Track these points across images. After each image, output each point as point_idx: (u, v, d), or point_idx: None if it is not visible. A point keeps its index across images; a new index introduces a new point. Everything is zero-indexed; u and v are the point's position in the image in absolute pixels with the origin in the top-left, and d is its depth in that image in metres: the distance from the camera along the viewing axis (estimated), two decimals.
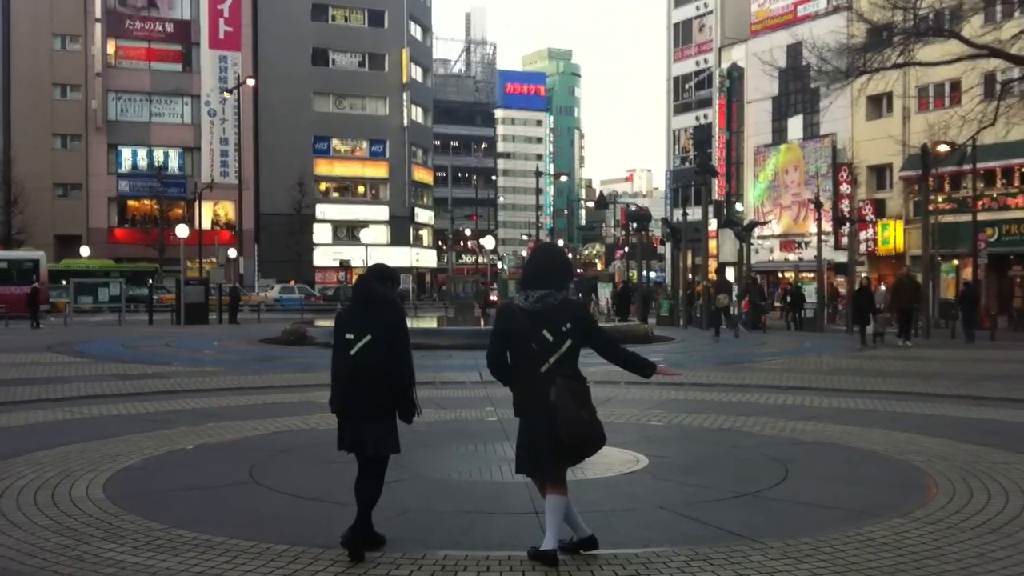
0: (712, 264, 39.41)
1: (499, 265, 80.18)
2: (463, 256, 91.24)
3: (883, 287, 31.95)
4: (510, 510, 6.17)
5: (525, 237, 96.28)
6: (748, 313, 30.77)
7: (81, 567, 4.96)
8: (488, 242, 60.67)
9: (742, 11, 51.04)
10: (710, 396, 12.38)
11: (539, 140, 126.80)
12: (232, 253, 48.46)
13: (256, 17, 63.31)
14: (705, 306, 29.93)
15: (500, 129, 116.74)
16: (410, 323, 5.69)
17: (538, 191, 70.51)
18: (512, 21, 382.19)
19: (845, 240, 35.38)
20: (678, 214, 42.27)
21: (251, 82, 56.68)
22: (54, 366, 17.07)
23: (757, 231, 42.05)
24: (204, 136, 60.84)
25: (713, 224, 41.33)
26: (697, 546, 5.27)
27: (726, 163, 50.70)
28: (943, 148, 28.11)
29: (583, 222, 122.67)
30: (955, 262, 35.56)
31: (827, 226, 36.70)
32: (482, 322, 25.87)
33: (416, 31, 73.84)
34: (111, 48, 59.80)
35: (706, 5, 54.24)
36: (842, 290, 36.45)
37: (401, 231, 69.67)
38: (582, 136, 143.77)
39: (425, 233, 76.90)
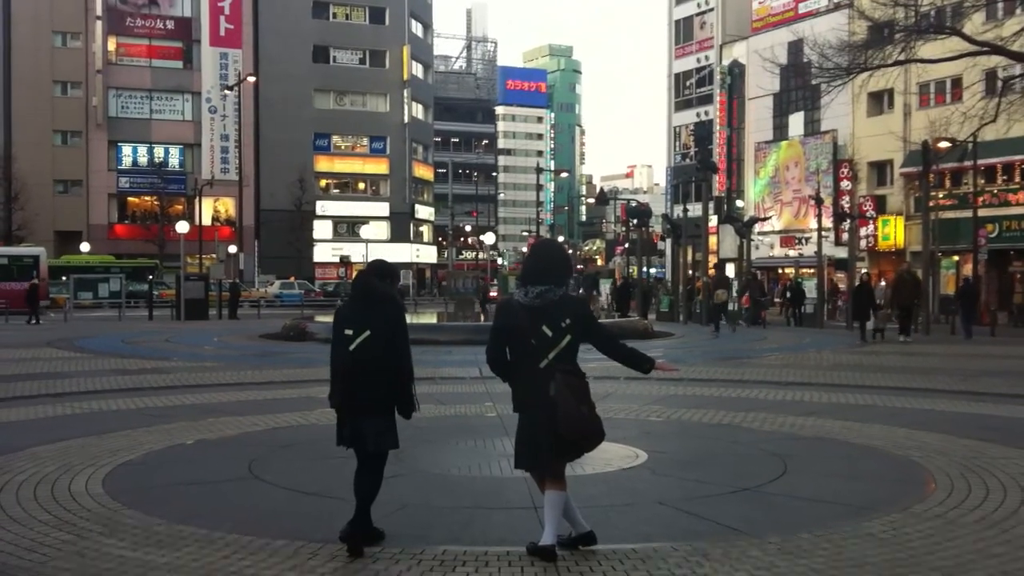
0: (712, 260, 39.35)
1: (499, 261, 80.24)
2: (463, 252, 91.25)
3: (883, 283, 31.95)
4: (509, 505, 6.17)
5: (525, 233, 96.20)
6: (749, 309, 30.77)
7: (81, 562, 4.97)
8: (488, 238, 60.72)
9: (743, 8, 50.99)
10: (709, 392, 12.38)
11: (540, 137, 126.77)
12: (232, 249, 48.38)
13: (257, 14, 63.26)
14: (705, 302, 29.94)
15: (501, 126, 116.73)
16: (410, 319, 5.71)
17: (538, 187, 70.51)
18: (513, 18, 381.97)
19: (845, 236, 35.34)
20: (678, 210, 42.29)
21: (252, 79, 56.70)
22: (54, 361, 17.09)
23: (757, 227, 42.05)
24: (204, 133, 60.82)
25: (714, 220, 41.36)
26: (696, 541, 5.28)
27: (727, 159, 50.69)
28: (944, 144, 28.10)
29: (583, 218, 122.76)
30: (955, 258, 35.57)
31: (827, 222, 36.68)
32: (482, 318, 25.86)
33: (417, 28, 73.79)
34: (112, 45, 59.75)
35: (707, 2, 54.20)
36: (842, 286, 36.44)
37: (401, 227, 69.67)
38: (583, 132, 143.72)
39: (425, 229, 76.90)
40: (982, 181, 34.13)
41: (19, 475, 7.06)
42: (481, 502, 6.30)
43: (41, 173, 56.83)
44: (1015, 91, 24.10)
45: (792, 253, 45.72)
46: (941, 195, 34.85)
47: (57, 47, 59.43)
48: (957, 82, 34.20)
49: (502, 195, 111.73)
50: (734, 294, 32.59)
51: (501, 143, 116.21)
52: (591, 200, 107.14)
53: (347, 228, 67.40)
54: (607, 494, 6.45)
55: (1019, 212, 34.83)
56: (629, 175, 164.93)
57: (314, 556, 5.04)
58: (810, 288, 33.33)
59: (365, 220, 65.91)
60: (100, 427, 9.30)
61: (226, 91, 58.52)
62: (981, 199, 32.71)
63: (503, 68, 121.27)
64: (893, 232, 40.58)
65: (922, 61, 25.02)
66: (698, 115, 54.51)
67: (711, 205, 38.38)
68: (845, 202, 41.46)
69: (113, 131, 59.70)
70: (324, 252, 65.49)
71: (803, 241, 44.40)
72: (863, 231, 39.97)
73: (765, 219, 44.79)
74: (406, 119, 69.15)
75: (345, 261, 59.41)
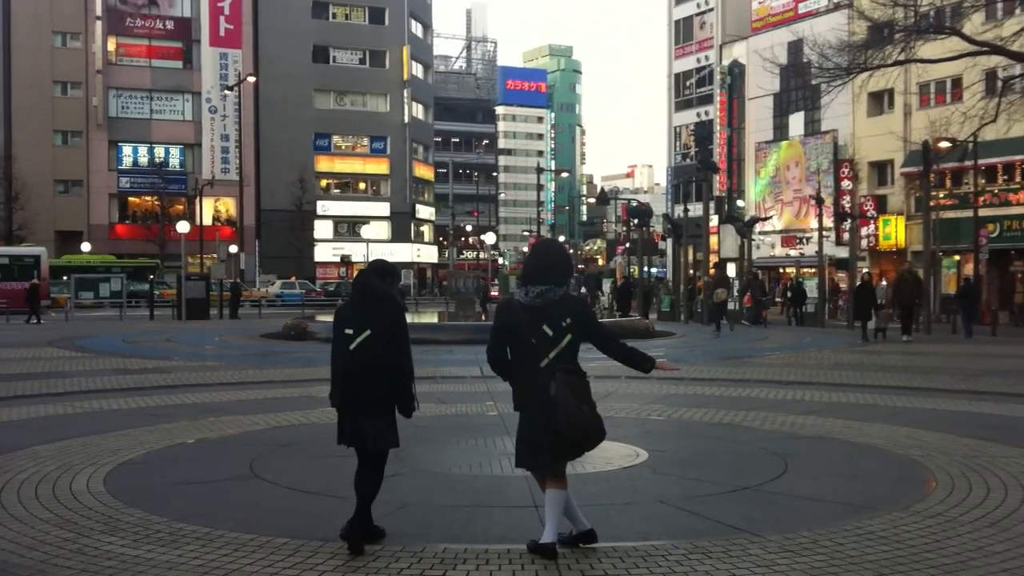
0: (713, 259, 39.38)
1: (500, 261, 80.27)
2: (464, 252, 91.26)
3: (884, 283, 31.95)
4: (510, 504, 6.18)
5: (526, 233, 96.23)
6: (751, 308, 30.78)
7: (82, 560, 4.97)
8: (489, 238, 60.77)
9: (743, 8, 50.99)
10: (710, 391, 12.39)
11: (540, 137, 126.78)
12: (233, 249, 48.43)
13: (257, 14, 63.29)
14: (706, 301, 29.96)
15: (501, 126, 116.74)
16: (411, 318, 5.72)
17: (539, 187, 70.54)
18: (513, 18, 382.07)
19: (846, 236, 35.37)
20: (679, 210, 42.29)
21: (252, 79, 56.70)
22: (55, 361, 17.10)
23: (758, 227, 42.06)
24: (205, 133, 60.84)
25: (714, 220, 41.37)
26: (696, 539, 5.28)
27: (727, 159, 50.67)
28: (944, 144, 28.10)
29: (584, 218, 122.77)
30: (956, 258, 35.58)
31: (828, 222, 36.69)
32: (483, 317, 25.87)
33: (417, 28, 73.81)
34: (112, 45, 59.77)
35: (707, 2, 54.19)
36: (843, 286, 36.45)
37: (402, 227, 69.70)
38: (583, 132, 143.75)
39: (426, 229, 76.93)
40: (983, 181, 34.13)
41: (20, 474, 7.07)
42: (482, 500, 6.30)
43: (41, 173, 56.85)
44: (1015, 91, 24.09)
45: (793, 253, 45.73)
46: (942, 195, 34.85)
47: (57, 47, 59.45)
48: (957, 82, 34.19)
49: (502, 195, 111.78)
50: (735, 293, 32.61)
51: (501, 143, 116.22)
52: (592, 200, 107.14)
53: (348, 228, 67.44)
54: (608, 492, 6.46)
55: (1020, 212, 34.83)
56: (630, 175, 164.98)
57: (315, 554, 5.05)
58: (811, 288, 33.36)
59: (366, 220, 65.95)
60: (101, 426, 9.31)
61: (226, 91, 58.54)
62: (982, 199, 32.71)
63: (503, 68, 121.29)
64: (894, 232, 40.57)
65: (922, 61, 25.02)
66: (698, 115, 54.50)
67: (712, 205, 38.40)
68: (846, 202, 41.45)
69: (113, 131, 59.72)
70: (325, 252, 65.51)
71: (804, 241, 44.40)
72: (864, 231, 39.98)
73: (766, 219, 44.79)
74: (406, 119, 69.17)
75: (346, 261, 59.45)
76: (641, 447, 7.99)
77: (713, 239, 43.57)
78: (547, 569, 4.82)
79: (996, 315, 27.26)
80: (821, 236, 32.82)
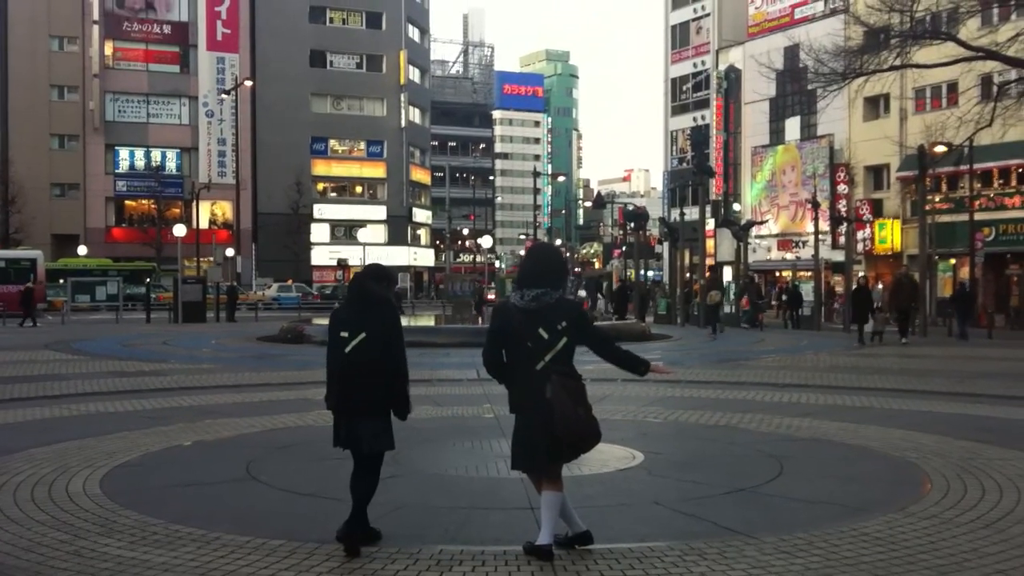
0: (709, 263, 39.39)
1: (497, 264, 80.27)
2: (461, 255, 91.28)
3: (880, 286, 32.01)
4: (506, 505, 6.19)
5: (523, 236, 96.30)
6: (748, 311, 30.81)
7: (78, 562, 4.97)
8: (486, 241, 60.74)
9: (739, 13, 51.12)
10: (707, 393, 12.40)
11: (537, 141, 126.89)
12: (230, 252, 48.42)
13: (254, 19, 63.30)
14: (702, 304, 29.99)
15: (498, 130, 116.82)
16: (408, 322, 5.73)
17: (536, 191, 70.59)
18: (510, 23, 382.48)
19: (842, 239, 35.43)
20: (676, 214, 42.32)
21: (249, 83, 56.72)
22: (52, 363, 17.07)
23: (755, 230, 42.16)
24: (202, 137, 60.84)
25: (711, 224, 41.38)
26: (692, 541, 5.29)
27: (723, 163, 50.76)
28: (940, 149, 28.16)
29: (581, 222, 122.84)
30: (952, 261, 35.65)
31: (824, 226, 36.76)
32: (480, 320, 25.89)
33: (414, 33, 73.87)
34: (108, 50, 59.77)
35: (704, 7, 54.32)
36: (839, 289, 36.51)
37: (399, 231, 69.71)
38: (580, 137, 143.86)
39: (423, 233, 76.95)
40: (978, 185, 34.22)
41: (16, 476, 7.06)
42: (478, 502, 6.31)
43: (38, 177, 56.83)
44: (1010, 96, 24.11)
45: (789, 256, 45.81)
46: (937, 199, 34.92)
47: (54, 51, 59.45)
48: (953, 87, 34.27)
49: (499, 199, 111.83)
50: (731, 296, 32.66)
51: (498, 147, 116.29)
52: (588, 204, 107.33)
53: (344, 231, 67.45)
54: (604, 494, 6.47)
55: (1015, 216, 34.92)
56: (626, 179, 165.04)
57: (311, 556, 5.05)
58: (807, 291, 33.41)
59: (362, 223, 65.95)
60: (97, 429, 9.31)
61: (223, 95, 58.55)
62: (977, 203, 32.79)
63: (500, 73, 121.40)
64: (890, 236, 40.67)
65: (917, 66, 25.08)
66: (695, 119, 54.61)
67: (708, 209, 38.42)
68: (842, 206, 41.53)
69: (110, 135, 59.71)
70: (321, 255, 65.51)
71: (800, 244, 44.48)
72: (860, 235, 40.07)
73: (762, 223, 44.88)
74: (403, 123, 69.22)
75: (342, 264, 59.45)
76: (637, 449, 8.00)
77: (709, 243, 43.54)
78: (543, 571, 4.83)
79: (992, 318, 27.32)
80: (817, 240, 32.88)
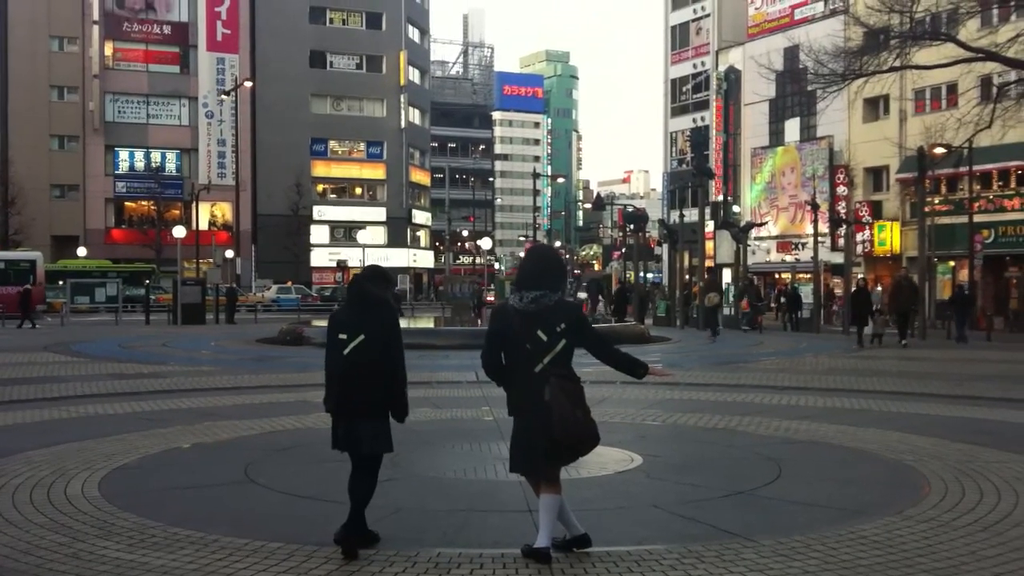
0: (708, 264, 39.41)
1: (496, 266, 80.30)
2: (460, 257, 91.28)
3: (879, 288, 32.01)
4: (504, 508, 6.19)
5: (523, 238, 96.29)
6: (748, 313, 30.83)
7: (76, 564, 4.98)
8: (485, 243, 60.77)
9: (739, 14, 51.13)
10: (705, 396, 12.41)
11: (536, 142, 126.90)
12: (229, 254, 48.45)
13: (254, 19, 63.30)
14: (701, 306, 30.00)
15: (498, 131, 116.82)
16: (407, 323, 5.74)
17: (535, 192, 70.61)
18: (510, 23, 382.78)
19: (842, 241, 35.44)
20: (675, 215, 42.33)
21: (249, 84, 56.72)
22: (50, 365, 17.08)
23: (754, 232, 42.15)
24: (201, 138, 60.82)
25: (710, 225, 41.43)
26: (690, 544, 5.30)
27: (723, 165, 50.76)
28: (939, 150, 28.17)
29: (580, 223, 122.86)
30: (951, 263, 35.64)
31: (824, 227, 36.77)
32: (479, 322, 25.89)
33: (414, 34, 73.88)
34: (108, 50, 59.75)
35: (703, 8, 54.34)
36: (838, 291, 36.51)
37: (398, 232, 69.71)
38: (579, 138, 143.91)
39: (422, 234, 76.94)
40: (978, 187, 34.22)
41: (15, 479, 7.06)
42: (476, 505, 6.31)
43: (38, 178, 56.82)
44: (1010, 97, 24.12)
45: (788, 258, 45.80)
46: (937, 201, 34.93)
47: (54, 51, 59.45)
48: (952, 88, 34.29)
49: (499, 200, 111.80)
50: (730, 299, 32.65)
51: (498, 148, 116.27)
52: (588, 205, 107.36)
53: (344, 233, 67.43)
54: (602, 497, 6.47)
55: (1014, 218, 34.92)
56: (626, 180, 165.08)
57: (309, 559, 5.05)
58: (806, 293, 33.41)
59: (362, 225, 65.92)
60: (96, 431, 9.31)
61: (223, 96, 58.54)
62: (977, 205, 32.78)
63: (500, 73, 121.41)
64: (889, 238, 40.67)
65: (917, 67, 25.10)
66: (694, 121, 54.62)
67: (708, 210, 38.45)
68: (841, 207, 41.52)
69: (110, 136, 59.69)
70: (321, 257, 65.50)
71: (799, 246, 44.48)
72: (859, 236, 40.07)
73: (761, 224, 44.88)
74: (403, 124, 69.22)
75: (342, 266, 59.40)
76: (636, 452, 8.00)
77: (709, 244, 43.58)
78: (541, 574, 4.84)
79: (991, 321, 27.33)
80: (816, 242, 32.90)
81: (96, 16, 58.29)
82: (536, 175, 70.17)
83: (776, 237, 47.23)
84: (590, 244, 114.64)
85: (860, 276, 30.14)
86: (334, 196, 68.92)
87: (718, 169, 49.10)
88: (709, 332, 26.00)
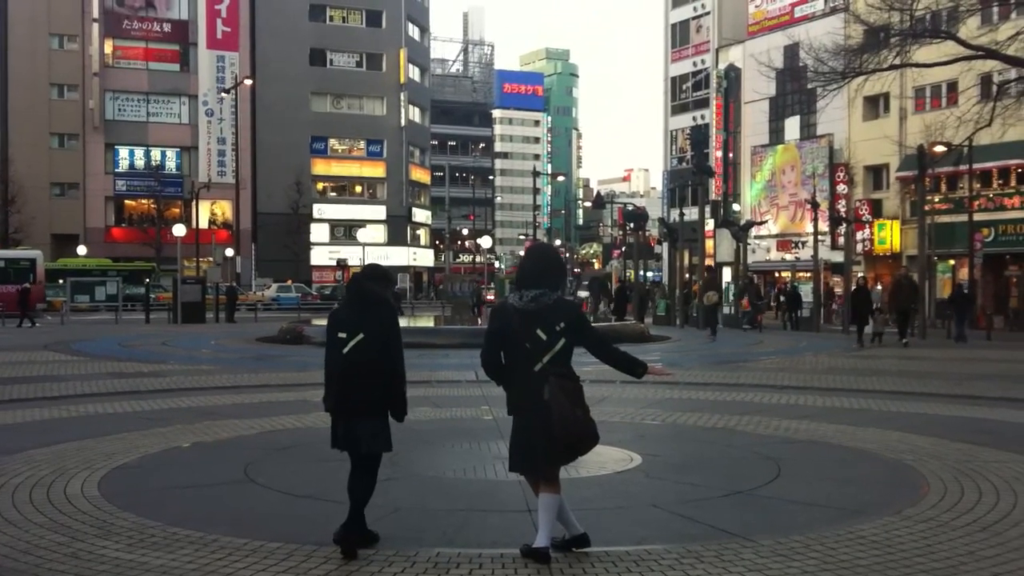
0: (708, 263, 39.42)
1: (496, 264, 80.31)
2: (460, 255, 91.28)
3: (879, 287, 31.99)
4: (503, 508, 6.19)
5: (523, 236, 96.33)
6: (748, 312, 30.84)
7: (76, 564, 4.98)
8: (485, 241, 60.76)
9: (739, 12, 51.10)
10: (705, 395, 12.41)
11: (537, 140, 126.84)
12: (229, 252, 48.46)
13: (254, 17, 63.28)
14: (701, 305, 30.00)
15: (498, 129, 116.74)
16: (406, 322, 5.74)
17: (535, 191, 70.58)
18: (510, 21, 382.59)
19: (842, 240, 35.44)
20: (675, 214, 42.34)
21: (248, 82, 56.71)
22: (50, 364, 17.08)
23: (754, 231, 42.14)
24: (201, 136, 60.82)
25: (710, 224, 41.40)
26: (689, 544, 5.30)
27: (723, 163, 50.75)
28: (940, 149, 28.15)
29: (580, 222, 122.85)
30: (951, 262, 35.63)
31: (824, 226, 36.76)
32: (478, 321, 25.89)
33: (414, 31, 73.86)
34: (108, 48, 59.74)
35: (703, 6, 54.30)
36: (838, 290, 36.51)
37: (398, 230, 69.70)
38: (579, 136, 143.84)
39: (422, 233, 76.93)
40: (978, 185, 34.20)
41: (14, 478, 7.07)
42: (475, 505, 6.31)
43: (38, 176, 56.82)
44: (1010, 95, 24.11)
45: (788, 257, 45.79)
46: (937, 199, 34.92)
47: (54, 49, 59.43)
48: (952, 86, 34.25)
49: (499, 198, 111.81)
50: (730, 297, 32.65)
51: (498, 146, 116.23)
52: (588, 204, 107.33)
53: (344, 231, 67.44)
54: (601, 497, 6.48)
55: (1015, 216, 34.91)
56: (626, 179, 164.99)
57: (308, 559, 5.06)
58: (806, 292, 33.41)
59: (362, 223, 65.93)
60: (96, 430, 9.31)
61: (223, 94, 58.54)
62: (977, 203, 32.77)
63: (500, 72, 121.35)
64: (889, 236, 40.65)
65: (917, 65, 25.08)
66: (694, 119, 54.59)
67: (708, 209, 38.43)
68: (841, 206, 41.50)
69: (110, 134, 59.69)
70: (321, 255, 65.51)
71: (799, 245, 44.46)
72: (859, 235, 40.06)
73: (761, 223, 44.87)
74: (403, 122, 69.20)
75: (342, 264, 59.41)
76: (635, 451, 8.01)
77: (709, 243, 43.60)
78: (540, 573, 4.84)
79: (991, 320, 27.33)
80: (816, 240, 32.89)
81: (96, 14, 58.26)
82: (536, 173, 70.10)
83: (776, 236, 47.22)
84: (590, 243, 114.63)
85: (860, 275, 30.12)
86: (334, 194, 68.92)
87: (718, 167, 49.08)
88: (708, 331, 26.00)
